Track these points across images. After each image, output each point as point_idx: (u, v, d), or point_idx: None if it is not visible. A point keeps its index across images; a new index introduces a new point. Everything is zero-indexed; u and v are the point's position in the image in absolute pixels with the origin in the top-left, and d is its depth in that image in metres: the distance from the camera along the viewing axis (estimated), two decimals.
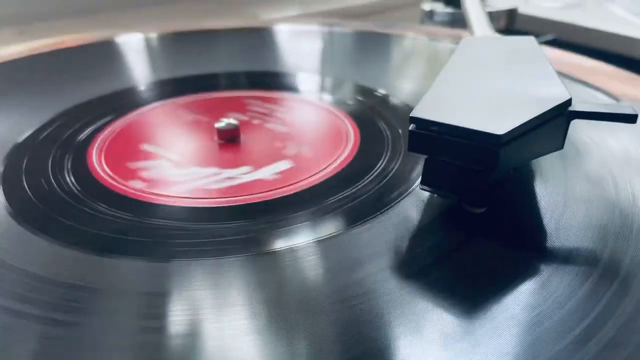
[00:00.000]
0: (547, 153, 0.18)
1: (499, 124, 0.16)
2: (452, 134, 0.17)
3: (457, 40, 0.37)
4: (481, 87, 0.19)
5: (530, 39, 0.22)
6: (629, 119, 0.17)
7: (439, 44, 0.38)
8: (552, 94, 0.18)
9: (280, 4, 0.62)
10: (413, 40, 0.39)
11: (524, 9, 0.48)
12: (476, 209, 0.18)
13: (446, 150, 0.17)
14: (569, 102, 0.18)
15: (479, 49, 0.22)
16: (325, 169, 0.22)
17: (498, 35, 0.25)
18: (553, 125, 0.18)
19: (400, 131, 0.25)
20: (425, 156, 0.18)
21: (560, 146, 0.18)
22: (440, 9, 0.42)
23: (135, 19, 0.53)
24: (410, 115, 0.17)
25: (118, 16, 0.53)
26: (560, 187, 0.20)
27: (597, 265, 0.16)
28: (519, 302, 0.15)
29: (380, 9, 0.61)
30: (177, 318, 0.15)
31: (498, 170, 0.17)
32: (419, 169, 0.22)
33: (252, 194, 0.21)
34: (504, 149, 0.16)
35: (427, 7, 0.43)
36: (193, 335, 0.14)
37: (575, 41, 0.43)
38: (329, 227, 0.18)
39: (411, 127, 0.18)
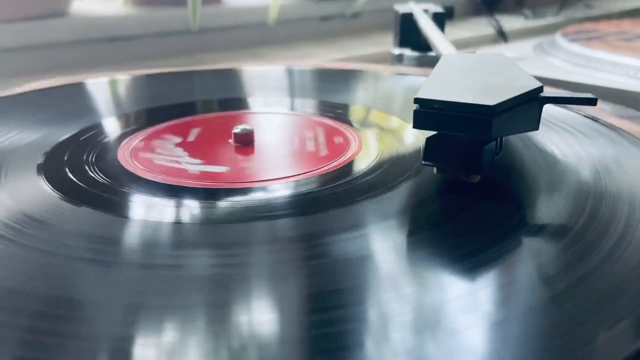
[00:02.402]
0: (527, 131, 0.22)
1: (490, 99, 0.20)
2: (452, 109, 0.20)
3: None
4: (469, 79, 0.22)
5: (501, 53, 0.26)
6: (590, 102, 0.21)
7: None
8: (527, 83, 0.22)
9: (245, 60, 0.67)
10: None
11: None
12: (473, 177, 0.21)
13: (447, 125, 0.20)
14: (541, 89, 0.21)
15: (459, 59, 0.26)
16: (243, 182, 0.23)
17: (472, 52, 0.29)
18: (529, 106, 0.21)
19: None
20: (428, 135, 0.22)
21: (536, 127, 0.22)
22: (408, 53, 0.47)
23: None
24: (415, 97, 0.21)
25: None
26: (536, 161, 0.24)
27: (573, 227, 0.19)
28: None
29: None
30: None
31: (490, 138, 0.20)
32: None
33: (163, 175, 0.24)
34: (495, 119, 0.19)
35: (396, 51, 0.48)
36: None
37: None
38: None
39: (416, 107, 0.21)
